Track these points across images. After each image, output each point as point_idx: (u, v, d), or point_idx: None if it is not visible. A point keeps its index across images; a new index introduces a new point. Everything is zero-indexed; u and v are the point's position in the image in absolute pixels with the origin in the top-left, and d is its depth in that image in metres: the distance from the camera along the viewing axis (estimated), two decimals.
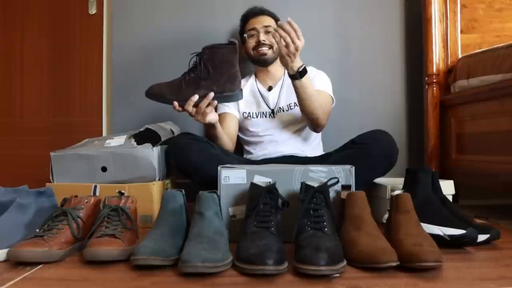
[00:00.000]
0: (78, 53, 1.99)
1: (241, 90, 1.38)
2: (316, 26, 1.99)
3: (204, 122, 1.38)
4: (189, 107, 1.32)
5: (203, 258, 0.83)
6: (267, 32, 1.65)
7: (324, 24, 1.99)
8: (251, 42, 1.67)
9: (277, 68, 1.73)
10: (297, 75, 1.39)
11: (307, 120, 1.56)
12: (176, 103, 1.32)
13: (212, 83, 1.31)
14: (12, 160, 1.96)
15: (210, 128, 1.47)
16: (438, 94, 1.82)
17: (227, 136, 1.59)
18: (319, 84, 1.63)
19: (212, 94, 1.32)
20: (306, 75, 1.41)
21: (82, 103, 1.99)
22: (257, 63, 1.70)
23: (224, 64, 1.32)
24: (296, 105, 1.63)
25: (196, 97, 1.32)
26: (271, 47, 1.65)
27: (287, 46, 1.33)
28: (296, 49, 1.34)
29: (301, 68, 1.39)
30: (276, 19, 1.72)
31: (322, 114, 1.51)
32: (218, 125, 1.48)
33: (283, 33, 1.32)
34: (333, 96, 1.66)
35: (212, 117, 1.39)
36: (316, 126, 1.55)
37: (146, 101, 1.94)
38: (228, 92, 1.34)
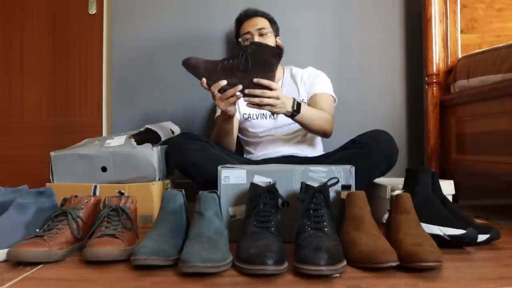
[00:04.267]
0: (78, 53, 1.99)
1: None
2: (316, 26, 1.99)
3: (223, 109, 1.35)
4: (215, 89, 1.31)
5: (203, 258, 0.83)
6: (261, 35, 1.64)
7: (324, 24, 1.99)
8: None
9: None
10: (294, 114, 1.38)
11: (316, 134, 1.59)
12: (204, 80, 1.31)
13: (246, 77, 1.29)
14: (12, 160, 1.96)
15: (225, 121, 1.47)
16: (438, 94, 1.82)
17: (234, 135, 1.59)
18: (320, 86, 1.63)
19: (240, 86, 1.29)
20: (302, 107, 1.39)
21: (82, 103, 1.99)
22: None
23: (264, 64, 1.29)
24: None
25: (224, 82, 1.30)
26: None
27: (269, 105, 1.31)
28: (275, 102, 1.31)
29: (294, 107, 1.37)
30: (270, 19, 1.70)
31: (328, 125, 1.53)
32: (233, 120, 1.48)
33: (256, 100, 1.29)
34: (334, 96, 1.66)
35: (231, 108, 1.37)
36: (325, 136, 1.58)
37: (146, 101, 1.97)
38: None
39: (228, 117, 1.43)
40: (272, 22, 1.71)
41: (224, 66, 1.30)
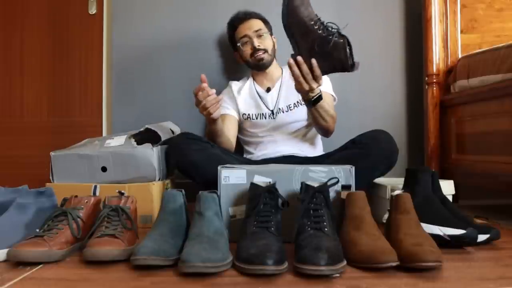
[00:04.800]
0: (78, 53, 1.99)
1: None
2: None
3: (204, 114, 1.38)
4: (202, 97, 1.33)
5: (203, 258, 0.83)
6: (259, 36, 1.64)
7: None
8: (247, 50, 1.65)
9: (274, 70, 1.72)
10: (310, 103, 1.36)
11: (319, 131, 1.59)
12: (205, 85, 1.32)
13: (310, 51, 1.23)
14: (12, 160, 1.96)
15: (211, 124, 1.47)
16: (438, 94, 1.82)
17: (228, 135, 1.59)
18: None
19: (213, 91, 1.33)
20: (320, 102, 1.37)
21: (82, 103, 1.99)
22: (256, 68, 1.70)
23: (330, 60, 1.23)
24: (296, 105, 1.63)
25: (213, 91, 1.32)
26: (266, 51, 1.64)
27: (300, 84, 1.27)
28: (311, 90, 1.28)
29: (315, 98, 1.34)
30: (263, 20, 1.70)
31: (333, 125, 1.54)
32: (219, 122, 1.48)
33: (297, 71, 1.25)
34: (334, 95, 1.66)
35: (213, 115, 1.38)
36: (327, 134, 1.58)
37: (146, 101, 1.96)
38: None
39: (212, 120, 1.43)
40: (265, 22, 1.71)
41: (311, 26, 1.23)
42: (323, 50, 1.22)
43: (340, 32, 1.21)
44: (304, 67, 1.24)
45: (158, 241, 0.92)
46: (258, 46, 1.62)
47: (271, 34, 1.71)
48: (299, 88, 1.30)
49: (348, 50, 1.20)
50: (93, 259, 0.92)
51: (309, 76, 1.25)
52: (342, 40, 1.20)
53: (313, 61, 1.23)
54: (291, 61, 1.25)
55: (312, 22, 1.23)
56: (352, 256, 0.91)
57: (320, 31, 1.22)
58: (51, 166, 1.44)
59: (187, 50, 1.96)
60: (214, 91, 1.34)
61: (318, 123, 1.50)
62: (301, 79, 1.25)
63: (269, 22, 1.73)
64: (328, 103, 1.49)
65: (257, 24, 1.67)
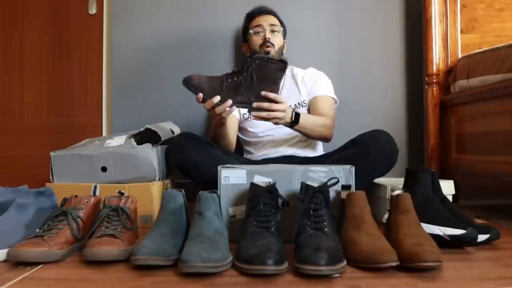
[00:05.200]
0: (78, 53, 1.99)
1: None
2: (316, 25, 1.99)
3: (217, 120, 1.38)
4: (209, 106, 1.31)
5: (203, 258, 0.83)
6: (272, 31, 1.65)
7: (324, 24, 1.99)
8: (257, 39, 1.66)
9: None
10: (293, 124, 1.39)
11: (316, 140, 1.61)
12: (200, 95, 1.29)
13: (252, 93, 1.29)
14: (12, 160, 1.96)
15: (218, 127, 1.47)
16: (438, 94, 1.82)
17: (230, 136, 1.59)
18: (321, 89, 1.63)
19: (230, 102, 1.28)
20: (301, 116, 1.40)
21: (82, 103, 2.00)
22: None
23: (269, 79, 1.29)
24: (297, 106, 1.63)
25: (217, 99, 1.28)
26: (274, 46, 1.64)
27: (274, 117, 1.31)
28: (282, 114, 1.32)
29: (293, 118, 1.38)
30: (281, 21, 1.73)
31: (328, 131, 1.54)
32: (226, 125, 1.49)
33: (264, 114, 1.29)
34: (335, 98, 1.66)
35: (224, 120, 1.40)
36: (325, 141, 1.59)
37: (146, 101, 1.97)
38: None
39: (220, 124, 1.43)
40: (282, 23, 1.73)
41: (229, 84, 1.29)
42: (256, 80, 1.27)
43: (248, 59, 1.28)
44: (264, 104, 1.28)
45: (158, 241, 0.92)
46: (269, 38, 1.63)
47: (284, 37, 1.72)
48: (277, 120, 1.33)
49: (267, 59, 1.27)
50: (93, 259, 0.92)
51: (273, 106, 1.29)
52: (257, 61, 1.27)
53: (262, 93, 1.28)
54: (255, 113, 1.29)
55: (229, 81, 1.29)
56: (352, 256, 0.90)
57: (236, 78, 1.28)
58: (51, 166, 1.44)
59: (187, 50, 1.96)
60: (218, 98, 1.30)
61: (310, 137, 1.52)
62: (272, 113, 1.29)
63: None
64: (324, 109, 1.52)
65: (274, 20, 1.69)
